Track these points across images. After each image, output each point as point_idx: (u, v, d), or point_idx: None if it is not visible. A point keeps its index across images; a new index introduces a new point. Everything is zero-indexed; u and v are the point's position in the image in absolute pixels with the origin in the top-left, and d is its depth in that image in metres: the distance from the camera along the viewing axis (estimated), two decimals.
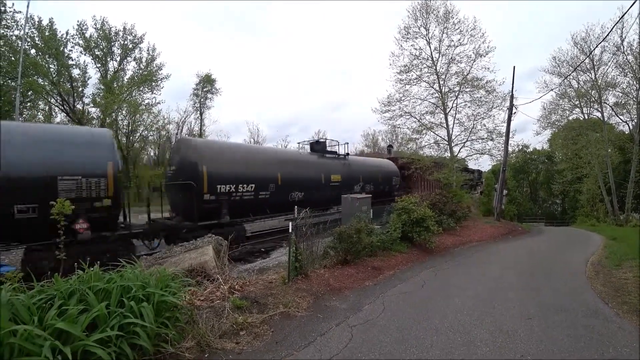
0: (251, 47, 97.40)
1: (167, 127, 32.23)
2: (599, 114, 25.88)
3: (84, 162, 7.22)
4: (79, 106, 26.56)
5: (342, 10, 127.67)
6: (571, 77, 25.14)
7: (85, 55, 25.89)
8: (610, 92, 25.09)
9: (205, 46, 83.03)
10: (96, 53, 26.24)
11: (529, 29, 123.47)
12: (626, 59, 23.10)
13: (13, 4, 20.28)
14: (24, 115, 22.82)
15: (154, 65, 28.64)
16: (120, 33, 26.95)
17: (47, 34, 22.77)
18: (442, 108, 19.39)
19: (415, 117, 19.91)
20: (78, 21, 25.66)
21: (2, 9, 19.83)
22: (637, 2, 10.24)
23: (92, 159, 7.39)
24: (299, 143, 18.83)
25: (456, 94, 19.26)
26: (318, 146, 15.81)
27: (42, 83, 22.64)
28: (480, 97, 18.93)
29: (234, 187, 10.08)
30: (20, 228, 6.57)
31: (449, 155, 19.88)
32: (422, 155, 20.84)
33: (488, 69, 18.46)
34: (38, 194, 6.48)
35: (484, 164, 33.59)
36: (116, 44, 27.10)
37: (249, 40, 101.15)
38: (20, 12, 20.44)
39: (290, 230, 6.33)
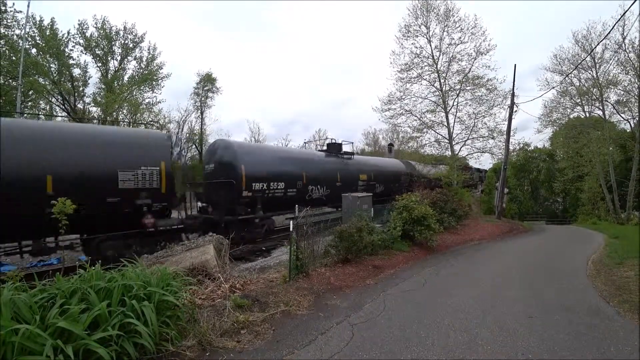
0: (253, 47, 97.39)
1: (168, 126, 32.22)
2: (600, 112, 25.80)
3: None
4: (80, 105, 26.58)
5: (343, 10, 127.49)
6: (572, 75, 25.03)
7: (85, 54, 25.88)
8: (612, 90, 24.98)
9: (207, 45, 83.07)
10: (97, 52, 26.21)
11: (530, 27, 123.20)
12: (628, 56, 22.97)
13: (14, 3, 20.36)
14: (24, 115, 22.84)
15: (155, 65, 28.61)
16: (121, 32, 26.91)
17: (47, 33, 22.78)
18: (442, 106, 19.36)
19: (416, 116, 19.92)
20: (79, 20, 25.69)
21: (3, 8, 19.84)
22: (638, 0, 10.19)
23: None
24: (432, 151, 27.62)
25: (457, 93, 19.23)
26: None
27: (43, 82, 22.64)
28: (481, 96, 18.94)
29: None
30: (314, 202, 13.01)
31: (450, 153, 19.87)
32: (423, 153, 20.85)
33: (489, 67, 18.45)
34: (328, 184, 14.00)
35: (485, 162, 33.76)
36: (117, 43, 27.07)
37: (250, 39, 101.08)
38: (20, 11, 20.47)
39: (291, 229, 6.34)
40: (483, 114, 19.11)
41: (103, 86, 26.16)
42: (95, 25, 25.66)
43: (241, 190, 10.57)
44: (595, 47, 22.06)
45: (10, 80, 20.68)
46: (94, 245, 7.74)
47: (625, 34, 22.19)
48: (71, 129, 8.38)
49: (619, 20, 18.39)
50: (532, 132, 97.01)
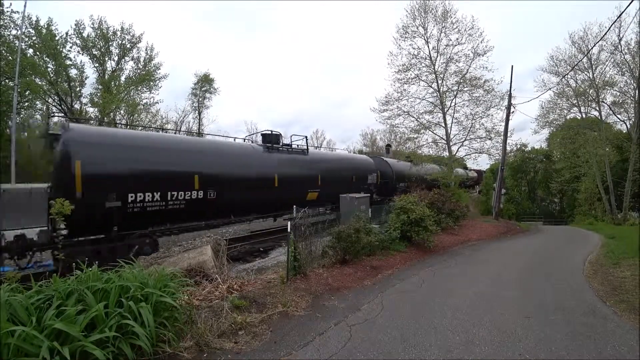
0: (252, 47, 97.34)
1: (166, 126, 32.15)
2: (596, 113, 25.93)
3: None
4: (77, 106, 26.47)
5: (343, 10, 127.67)
6: (569, 76, 25.19)
7: (82, 54, 25.77)
8: (608, 91, 25.11)
9: (206, 45, 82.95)
10: (94, 53, 26.12)
11: (527, 29, 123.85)
12: (624, 58, 23.09)
13: (10, 3, 20.22)
14: (21, 115, 22.74)
15: (152, 65, 28.54)
16: (118, 33, 26.84)
17: (44, 32, 22.66)
18: (440, 107, 19.38)
19: (413, 117, 19.90)
20: (76, 20, 25.55)
21: (0, 9, 19.73)
22: (635, 0, 10.27)
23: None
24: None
25: (454, 93, 19.25)
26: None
27: (39, 83, 22.53)
28: (479, 97, 18.92)
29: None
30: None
31: (448, 154, 19.91)
32: (421, 154, 20.87)
33: (486, 68, 18.44)
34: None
35: (483, 163, 33.98)
36: (114, 44, 26.99)
37: (250, 39, 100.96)
38: (17, 12, 20.39)
39: (288, 230, 6.33)
40: (480, 115, 19.12)
41: (100, 87, 26.06)
42: (92, 26, 25.60)
43: None
44: (592, 49, 22.25)
45: (7, 81, 20.56)
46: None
47: (621, 35, 22.35)
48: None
49: (615, 21, 18.59)
50: (529, 133, 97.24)
